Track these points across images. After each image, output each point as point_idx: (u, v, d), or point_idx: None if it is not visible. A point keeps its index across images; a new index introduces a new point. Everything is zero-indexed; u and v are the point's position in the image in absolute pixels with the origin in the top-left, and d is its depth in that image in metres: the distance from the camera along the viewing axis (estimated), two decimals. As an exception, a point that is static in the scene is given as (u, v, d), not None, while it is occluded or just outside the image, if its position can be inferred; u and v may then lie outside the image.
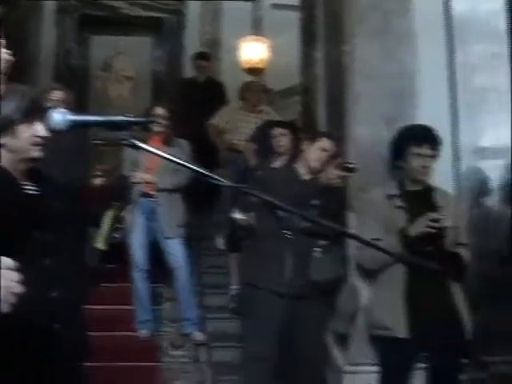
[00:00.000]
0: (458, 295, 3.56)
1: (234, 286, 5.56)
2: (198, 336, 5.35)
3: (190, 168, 2.02)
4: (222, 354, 5.28)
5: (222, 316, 5.69)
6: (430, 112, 4.15)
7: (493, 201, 4.37)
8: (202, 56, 8.05)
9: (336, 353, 4.28)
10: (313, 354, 3.88)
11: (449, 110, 4.46)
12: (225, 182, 2.00)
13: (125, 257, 5.34)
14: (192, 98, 7.32)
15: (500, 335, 3.97)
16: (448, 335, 3.40)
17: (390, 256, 3.26)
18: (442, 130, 3.84)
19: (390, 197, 3.59)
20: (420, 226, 3.42)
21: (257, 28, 9.31)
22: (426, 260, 3.36)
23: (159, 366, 5.09)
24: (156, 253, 5.30)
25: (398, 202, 3.57)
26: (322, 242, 3.82)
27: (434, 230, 3.41)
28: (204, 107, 6.93)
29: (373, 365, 3.67)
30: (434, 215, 3.43)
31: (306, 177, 4.03)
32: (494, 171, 4.42)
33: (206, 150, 6.32)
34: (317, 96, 5.45)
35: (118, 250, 5.46)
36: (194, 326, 5.35)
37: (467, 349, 3.66)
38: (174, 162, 1.99)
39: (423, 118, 4.03)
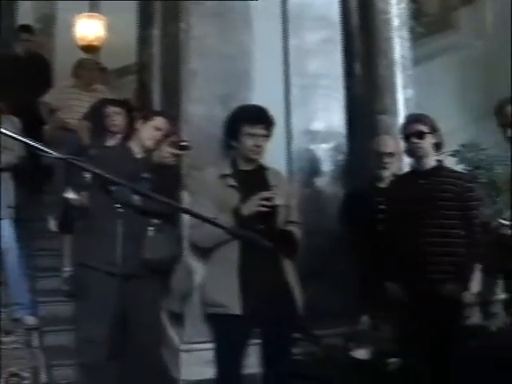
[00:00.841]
0: (290, 272, 3.63)
1: (68, 268, 5.40)
2: (30, 320, 5.14)
3: (23, 141, 1.93)
4: (56, 338, 5.10)
5: (55, 299, 5.48)
6: (265, 93, 4.20)
7: (323, 181, 4.51)
8: (24, 29, 7.43)
9: (171, 332, 4.27)
10: (148, 333, 3.84)
11: (283, 93, 4.55)
12: (58, 154, 1.93)
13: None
14: (13, 74, 6.87)
15: (329, 309, 4.15)
16: (280, 311, 3.47)
17: (225, 232, 3.27)
18: (276, 111, 3.89)
19: (223, 176, 3.60)
20: (252, 205, 3.44)
21: (94, 5, 9.06)
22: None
23: (-10, 352, 4.83)
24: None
25: (231, 181, 3.57)
26: (156, 221, 3.78)
27: (266, 209, 3.45)
28: (28, 83, 6.57)
29: (208, 342, 3.69)
30: (265, 194, 3.47)
31: (140, 155, 3.97)
32: (325, 153, 4.56)
33: (36, 129, 6.06)
34: (152, 75, 5.40)
35: None
36: (25, 310, 5.15)
37: (299, 323, 3.78)
38: (7, 135, 1.89)
39: (258, 98, 4.06)
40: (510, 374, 3.91)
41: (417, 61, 7.02)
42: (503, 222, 3.95)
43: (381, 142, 4.51)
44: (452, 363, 3.67)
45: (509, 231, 3.88)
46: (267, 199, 3.45)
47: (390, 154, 4.37)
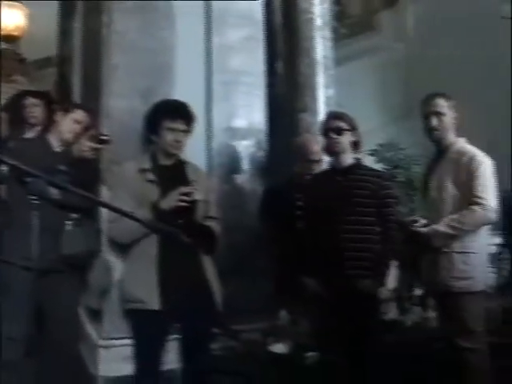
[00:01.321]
0: (209, 267, 3.63)
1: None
2: None
3: None
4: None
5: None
6: (186, 89, 4.20)
7: (243, 178, 4.54)
8: None
9: (89, 328, 4.22)
10: (65, 329, 3.79)
11: (204, 89, 4.56)
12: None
13: None
14: None
15: (248, 305, 4.18)
16: (199, 306, 3.48)
17: (143, 226, 3.25)
18: (197, 107, 3.89)
19: (142, 170, 3.57)
20: (171, 200, 3.43)
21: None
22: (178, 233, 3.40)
23: None
24: None
25: (150, 176, 3.55)
26: (74, 215, 3.73)
27: (184, 204, 3.45)
28: None
29: (127, 338, 3.66)
30: (185, 189, 3.47)
31: (59, 148, 3.91)
32: (245, 150, 4.59)
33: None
34: (73, 68, 5.32)
35: None
36: None
37: (218, 319, 3.79)
38: None
39: (179, 93, 4.05)
40: (424, 367, 4.04)
41: (339, 61, 7.15)
42: (419, 219, 4.04)
43: (302, 140, 4.58)
44: (368, 358, 3.75)
45: (423, 229, 3.97)
46: (186, 194, 3.44)
47: (312, 152, 4.43)
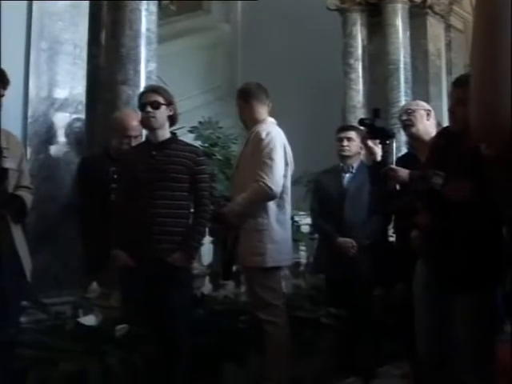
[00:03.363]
0: (18, 237, 3.57)
1: None
2: None
3: None
4: None
5: None
6: (5, 55, 4.03)
7: (59, 149, 4.44)
8: None
9: None
10: None
11: (24, 55, 4.39)
12: None
13: None
14: None
15: (57, 277, 4.15)
16: (7, 278, 3.40)
17: None
18: (15, 74, 3.79)
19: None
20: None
21: None
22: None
23: None
24: None
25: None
26: None
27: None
28: None
29: None
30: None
31: None
32: (63, 121, 4.49)
33: None
34: None
35: None
36: None
37: (26, 290, 3.73)
38: None
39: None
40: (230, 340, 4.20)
41: (166, 37, 7.16)
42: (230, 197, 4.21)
43: (121, 115, 4.57)
44: (177, 330, 3.84)
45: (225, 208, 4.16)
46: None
47: (129, 128, 4.43)
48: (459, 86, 3.30)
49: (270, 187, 4.05)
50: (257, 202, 4.13)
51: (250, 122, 4.29)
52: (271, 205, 4.16)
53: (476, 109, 1.30)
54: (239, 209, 4.10)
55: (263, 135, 4.13)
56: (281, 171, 4.13)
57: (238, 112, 4.34)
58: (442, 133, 3.63)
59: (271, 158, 4.10)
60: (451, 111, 3.41)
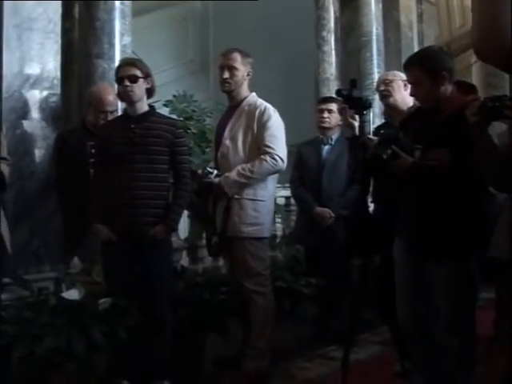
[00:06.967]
0: (-1, 213, 3.55)
1: None
2: None
3: None
4: None
5: None
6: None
7: (34, 124, 4.40)
8: None
9: None
10: None
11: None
12: None
13: None
14: None
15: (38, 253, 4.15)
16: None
17: None
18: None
19: None
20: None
21: None
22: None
23: None
24: None
25: None
26: None
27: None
28: None
29: None
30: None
31: None
32: (37, 96, 4.44)
33: None
34: None
35: None
36: None
37: (8, 267, 3.73)
38: None
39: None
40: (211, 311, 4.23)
41: (139, 11, 7.09)
42: (210, 170, 4.20)
43: (97, 90, 4.54)
44: (158, 302, 3.86)
45: (215, 179, 4.15)
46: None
47: (105, 104, 4.40)
48: (407, 68, 3.36)
49: (282, 159, 4.13)
50: (266, 174, 4.18)
51: (238, 92, 4.30)
52: (270, 176, 4.23)
53: (477, 26, 1.31)
54: (239, 179, 4.11)
55: (263, 107, 4.22)
56: (285, 145, 4.22)
57: (222, 80, 4.29)
58: (413, 112, 3.62)
59: (279, 131, 4.19)
60: (413, 95, 3.44)
